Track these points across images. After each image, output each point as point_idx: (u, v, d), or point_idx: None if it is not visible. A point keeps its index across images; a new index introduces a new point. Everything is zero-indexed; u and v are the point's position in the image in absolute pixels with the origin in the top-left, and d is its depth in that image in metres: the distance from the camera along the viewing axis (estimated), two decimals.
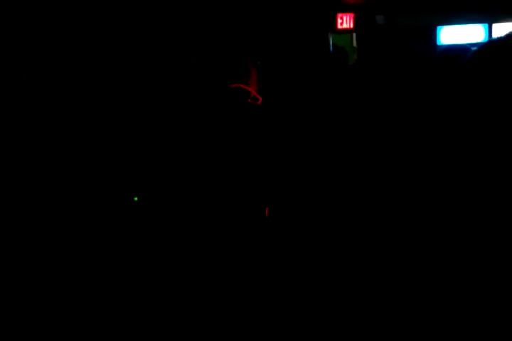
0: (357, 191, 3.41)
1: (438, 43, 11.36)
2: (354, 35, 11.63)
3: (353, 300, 2.85)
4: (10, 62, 5.37)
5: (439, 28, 11.57)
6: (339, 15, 11.12)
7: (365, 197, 3.32)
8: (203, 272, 3.27)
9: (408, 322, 1.62)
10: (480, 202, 1.31)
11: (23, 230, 3.97)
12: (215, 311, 3.23)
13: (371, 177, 3.33)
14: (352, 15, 11.36)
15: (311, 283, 3.40)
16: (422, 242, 1.48)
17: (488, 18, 11.40)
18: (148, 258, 3.77)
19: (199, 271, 3.28)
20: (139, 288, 3.72)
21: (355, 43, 11.62)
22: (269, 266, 3.27)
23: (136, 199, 3.83)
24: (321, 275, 3.40)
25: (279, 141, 3.38)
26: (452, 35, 11.43)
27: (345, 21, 11.27)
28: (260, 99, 3.43)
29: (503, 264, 1.29)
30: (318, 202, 3.58)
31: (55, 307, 3.68)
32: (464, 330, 1.38)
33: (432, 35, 11.42)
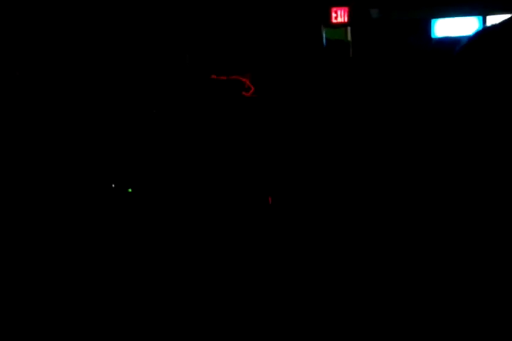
0: (356, 183, 3.40)
1: (432, 36, 11.36)
2: (348, 29, 11.62)
3: (352, 297, 2.83)
4: (4, 60, 5.36)
5: (433, 21, 11.57)
6: (333, 9, 11.10)
7: (363, 190, 3.30)
8: (205, 261, 3.28)
9: (408, 321, 1.61)
10: (480, 201, 1.29)
11: (17, 221, 3.96)
12: (217, 301, 3.25)
13: (367, 169, 3.32)
14: (346, 9, 11.34)
15: (312, 277, 3.38)
16: (421, 241, 1.47)
17: (483, 10, 11.40)
18: (145, 250, 3.77)
19: (201, 260, 3.30)
20: (136, 280, 3.72)
21: (349, 37, 11.60)
22: (272, 253, 3.29)
23: (130, 190, 3.83)
24: (322, 267, 3.38)
25: (277, 132, 3.41)
26: (447, 27, 11.42)
27: (339, 15, 11.25)
28: (253, 88, 3.48)
29: (503, 264, 1.28)
30: (318, 191, 3.57)
31: (50, 302, 3.68)
32: (464, 330, 1.37)
33: (427, 29, 11.41)
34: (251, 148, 3.30)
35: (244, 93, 3.42)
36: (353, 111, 3.72)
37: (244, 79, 3.47)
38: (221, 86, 3.47)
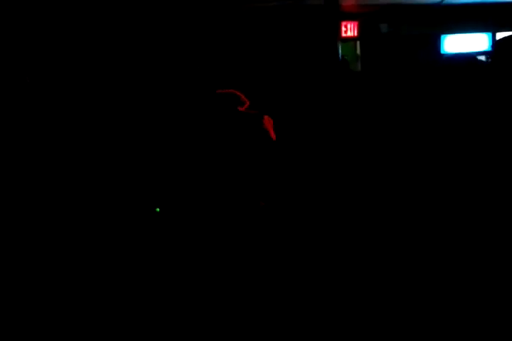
0: (352, 189, 3.41)
1: (442, 52, 11.37)
2: (358, 43, 11.65)
3: (348, 295, 2.84)
4: (14, 67, 5.39)
5: (442, 36, 11.59)
6: (343, 23, 11.13)
7: (362, 194, 3.32)
8: (204, 263, 3.33)
9: (408, 321, 1.60)
10: (480, 202, 1.31)
11: (41, 239, 3.98)
12: (214, 304, 3.27)
13: (370, 176, 3.34)
14: (356, 23, 11.37)
15: (307, 275, 3.40)
16: (421, 240, 1.47)
17: (492, 27, 11.41)
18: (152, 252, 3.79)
19: (201, 262, 3.34)
20: (150, 285, 3.73)
21: (358, 51, 11.63)
22: (266, 255, 3.34)
23: (158, 210, 3.86)
24: (316, 266, 3.40)
25: (272, 140, 3.47)
26: (456, 43, 11.44)
27: (349, 29, 11.28)
28: (247, 102, 3.55)
29: (502, 264, 1.29)
30: (313, 198, 3.60)
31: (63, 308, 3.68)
32: (464, 329, 1.38)
33: (436, 44, 11.43)
34: (248, 158, 3.37)
35: (239, 107, 3.50)
36: (362, 124, 3.73)
37: (239, 93, 3.57)
38: (216, 99, 3.55)
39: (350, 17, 11.15)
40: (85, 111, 4.87)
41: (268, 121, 3.52)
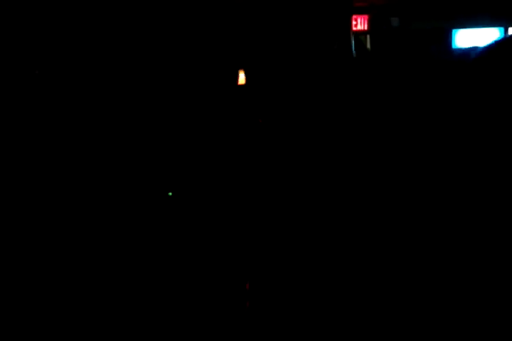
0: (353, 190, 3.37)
1: (453, 47, 11.32)
2: (368, 37, 11.61)
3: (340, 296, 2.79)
4: (23, 59, 5.38)
5: (454, 31, 11.53)
6: (354, 16, 11.09)
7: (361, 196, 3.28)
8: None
9: (408, 321, 1.58)
10: (480, 203, 1.27)
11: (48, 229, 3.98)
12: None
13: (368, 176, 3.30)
14: (366, 17, 11.34)
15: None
16: (421, 242, 1.45)
17: (504, 21, 11.35)
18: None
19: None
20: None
21: (368, 45, 11.59)
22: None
23: (170, 194, 3.87)
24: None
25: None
26: (468, 38, 11.38)
27: (359, 23, 11.25)
28: None
29: (502, 264, 1.26)
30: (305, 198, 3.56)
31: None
32: (464, 330, 1.35)
33: (448, 39, 11.37)
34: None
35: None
36: (370, 119, 3.68)
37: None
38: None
39: (360, 10, 11.11)
40: (92, 103, 4.86)
41: None
